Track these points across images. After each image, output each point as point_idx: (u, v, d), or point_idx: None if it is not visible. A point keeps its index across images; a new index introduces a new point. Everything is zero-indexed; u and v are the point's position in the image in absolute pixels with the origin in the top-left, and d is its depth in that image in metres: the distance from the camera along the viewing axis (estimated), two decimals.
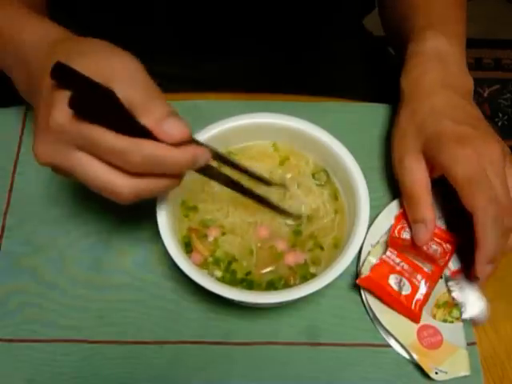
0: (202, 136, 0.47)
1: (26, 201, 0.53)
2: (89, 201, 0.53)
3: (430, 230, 0.46)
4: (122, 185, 0.34)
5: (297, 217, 0.47)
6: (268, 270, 0.46)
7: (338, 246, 0.46)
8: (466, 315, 0.47)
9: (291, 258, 0.46)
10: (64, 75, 0.32)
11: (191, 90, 0.60)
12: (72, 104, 0.31)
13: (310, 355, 0.47)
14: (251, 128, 0.49)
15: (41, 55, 0.39)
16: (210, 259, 0.46)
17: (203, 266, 0.46)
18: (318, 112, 0.55)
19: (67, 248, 0.51)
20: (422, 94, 0.49)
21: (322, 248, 0.47)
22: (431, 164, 0.47)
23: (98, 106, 0.32)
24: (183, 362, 0.46)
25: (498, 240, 0.43)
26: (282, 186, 0.48)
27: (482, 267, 0.43)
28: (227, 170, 0.43)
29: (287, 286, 0.45)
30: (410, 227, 0.48)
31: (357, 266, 0.49)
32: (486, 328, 0.48)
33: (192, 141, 0.36)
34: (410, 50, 0.52)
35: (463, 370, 0.44)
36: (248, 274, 0.46)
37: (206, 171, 0.39)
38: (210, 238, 0.47)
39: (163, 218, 0.43)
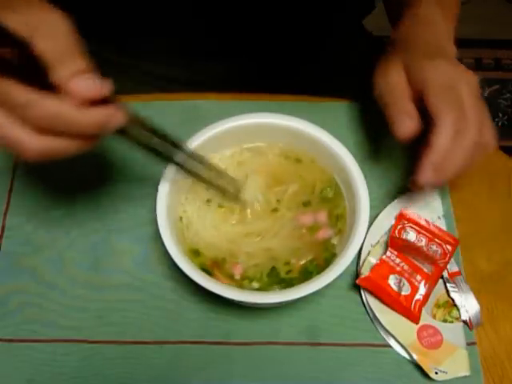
0: (202, 136, 0.47)
1: (26, 201, 0.53)
2: (88, 201, 0.53)
3: (415, 121, 0.44)
4: (27, 141, 0.32)
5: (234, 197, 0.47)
6: (307, 258, 0.46)
7: (343, 216, 0.47)
8: (462, 317, 0.47)
9: (322, 233, 0.47)
10: None
11: (191, 90, 0.60)
12: None
13: (310, 355, 0.47)
14: (251, 128, 0.49)
15: None
16: (239, 278, 0.45)
17: (232, 283, 0.45)
18: (318, 112, 0.55)
19: (67, 248, 0.51)
20: (411, 49, 0.49)
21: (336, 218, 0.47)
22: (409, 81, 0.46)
23: (9, 56, 0.30)
24: (183, 362, 0.46)
25: (449, 146, 0.42)
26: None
27: (425, 172, 0.43)
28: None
29: (320, 268, 0.44)
30: (411, 227, 0.48)
31: (357, 266, 0.49)
32: (486, 328, 0.48)
33: (113, 102, 0.34)
34: (405, 12, 0.53)
35: (463, 370, 0.44)
36: (288, 272, 0.45)
37: (123, 135, 0.36)
38: (237, 276, 0.45)
39: (163, 218, 0.43)
